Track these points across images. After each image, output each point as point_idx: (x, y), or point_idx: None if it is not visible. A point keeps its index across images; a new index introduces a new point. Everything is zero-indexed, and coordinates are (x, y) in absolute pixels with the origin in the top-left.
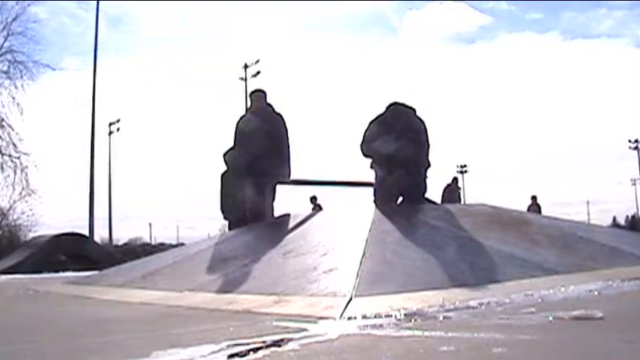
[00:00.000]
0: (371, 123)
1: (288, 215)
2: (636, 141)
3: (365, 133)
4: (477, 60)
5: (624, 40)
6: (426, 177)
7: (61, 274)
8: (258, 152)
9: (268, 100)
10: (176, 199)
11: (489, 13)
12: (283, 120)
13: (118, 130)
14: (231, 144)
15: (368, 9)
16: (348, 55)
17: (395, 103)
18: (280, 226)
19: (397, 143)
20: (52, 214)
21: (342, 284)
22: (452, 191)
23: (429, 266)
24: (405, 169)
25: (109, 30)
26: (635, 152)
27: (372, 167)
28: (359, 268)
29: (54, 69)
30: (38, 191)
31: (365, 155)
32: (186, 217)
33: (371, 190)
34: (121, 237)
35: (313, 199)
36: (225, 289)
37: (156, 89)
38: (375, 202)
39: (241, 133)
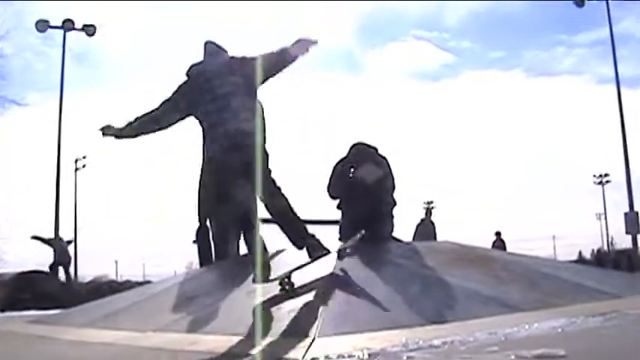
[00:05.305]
0: (336, 165)
1: None
2: (600, 176)
3: (331, 175)
4: (441, 97)
5: (586, 77)
6: (392, 216)
7: (25, 312)
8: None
9: None
10: (142, 235)
11: (452, 52)
12: None
13: (84, 166)
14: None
15: (332, 46)
16: (312, 91)
17: (357, 144)
18: (245, 265)
19: (365, 167)
20: (15, 251)
21: (305, 324)
22: (426, 227)
23: (393, 305)
24: (373, 195)
25: (75, 66)
26: (600, 187)
27: (339, 207)
28: (322, 308)
29: (19, 104)
30: (1, 228)
31: (332, 197)
32: (152, 254)
33: (336, 228)
34: (86, 274)
35: None
36: (189, 329)
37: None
38: (340, 239)
39: (208, 175)
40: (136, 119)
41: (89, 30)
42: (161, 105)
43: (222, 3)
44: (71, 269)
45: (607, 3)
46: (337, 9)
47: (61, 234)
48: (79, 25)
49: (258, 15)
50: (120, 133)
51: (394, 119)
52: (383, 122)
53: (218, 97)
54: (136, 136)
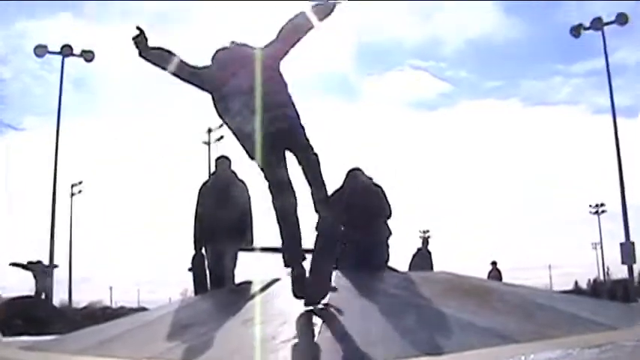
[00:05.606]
0: (332, 194)
1: (250, 282)
2: (596, 205)
3: None
4: (438, 126)
5: (582, 107)
6: (388, 245)
7: (18, 338)
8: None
9: (232, 167)
10: (137, 261)
11: (449, 81)
12: (246, 187)
13: (80, 192)
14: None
15: (329, 73)
16: (309, 119)
17: (353, 170)
18: (241, 293)
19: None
20: (9, 275)
21: (301, 355)
22: (423, 256)
23: (388, 336)
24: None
25: (73, 91)
26: (596, 216)
27: None
28: (317, 338)
29: (16, 129)
30: None
31: None
32: (147, 281)
33: None
34: (81, 300)
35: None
36: (183, 357)
37: (118, 151)
38: (336, 268)
39: (204, 204)
40: (169, 51)
41: (87, 56)
42: (191, 65)
43: (217, 28)
44: (63, 295)
45: (603, 33)
46: (335, 37)
47: (42, 258)
48: (77, 50)
49: (253, 42)
50: (146, 52)
51: (391, 147)
52: (380, 150)
53: (246, 92)
54: (155, 64)
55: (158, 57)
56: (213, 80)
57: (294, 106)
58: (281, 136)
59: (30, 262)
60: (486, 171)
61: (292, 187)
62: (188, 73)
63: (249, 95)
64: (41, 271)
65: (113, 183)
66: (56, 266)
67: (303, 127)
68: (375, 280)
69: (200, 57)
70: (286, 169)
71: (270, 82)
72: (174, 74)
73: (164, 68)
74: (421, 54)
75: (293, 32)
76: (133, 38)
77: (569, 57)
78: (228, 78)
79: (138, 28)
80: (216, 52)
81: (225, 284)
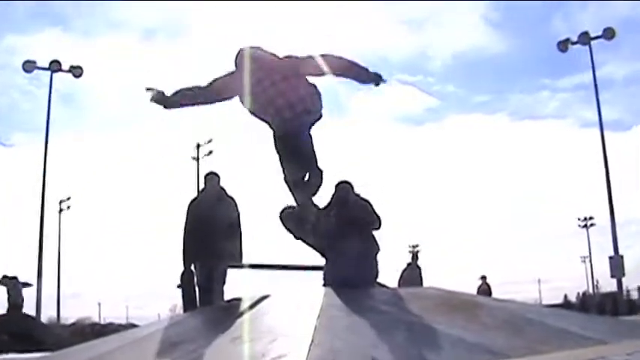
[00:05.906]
0: (322, 210)
1: (239, 299)
2: (585, 219)
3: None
4: (426, 140)
5: (570, 121)
6: (377, 262)
7: (5, 355)
8: (210, 240)
9: (221, 183)
10: (125, 277)
11: (436, 96)
12: (236, 203)
13: (68, 207)
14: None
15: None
16: None
17: (340, 183)
18: (230, 311)
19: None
20: None
21: None
22: (412, 271)
23: (378, 353)
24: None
25: (61, 106)
26: (585, 230)
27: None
28: (307, 356)
29: (4, 145)
30: None
31: None
32: (135, 296)
33: (321, 274)
34: (69, 316)
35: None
36: None
37: (107, 166)
38: (324, 285)
39: (193, 220)
40: (183, 89)
41: (76, 71)
42: (212, 82)
43: (207, 47)
44: (52, 311)
45: (590, 48)
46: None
47: (17, 275)
48: (66, 66)
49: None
50: (166, 102)
51: (379, 163)
52: (367, 166)
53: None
54: (181, 105)
55: (180, 99)
56: (238, 85)
57: (311, 102)
58: (286, 138)
59: (5, 277)
60: (475, 185)
61: (303, 186)
62: (211, 96)
63: (262, 97)
64: (14, 286)
65: (102, 197)
66: (29, 285)
67: (312, 122)
68: (364, 296)
69: (191, 68)
70: (300, 167)
71: (281, 85)
72: (201, 103)
73: (190, 104)
74: (409, 69)
75: (316, 65)
76: (151, 100)
77: (557, 71)
78: (249, 80)
79: (148, 88)
80: (237, 54)
81: (214, 301)
